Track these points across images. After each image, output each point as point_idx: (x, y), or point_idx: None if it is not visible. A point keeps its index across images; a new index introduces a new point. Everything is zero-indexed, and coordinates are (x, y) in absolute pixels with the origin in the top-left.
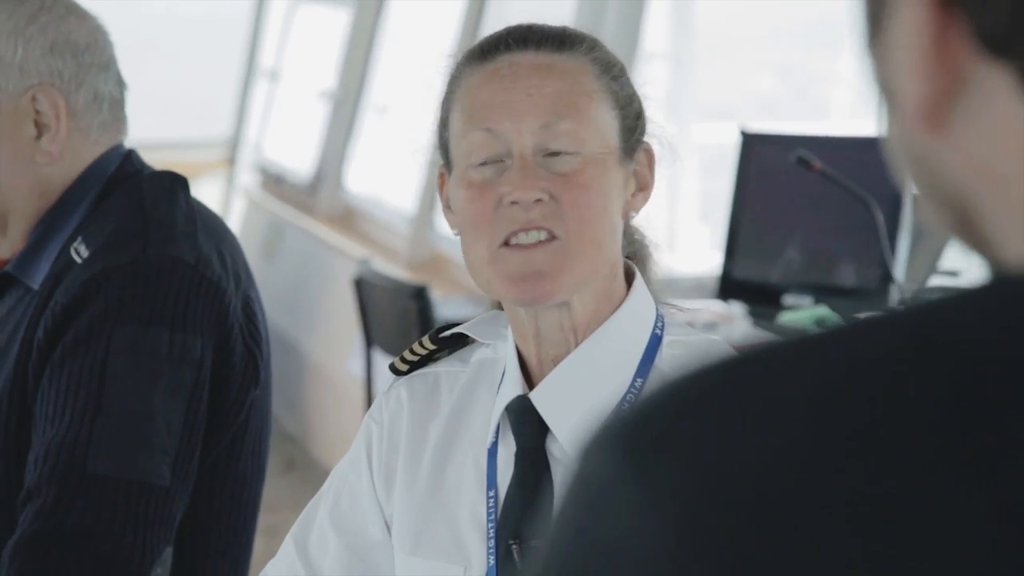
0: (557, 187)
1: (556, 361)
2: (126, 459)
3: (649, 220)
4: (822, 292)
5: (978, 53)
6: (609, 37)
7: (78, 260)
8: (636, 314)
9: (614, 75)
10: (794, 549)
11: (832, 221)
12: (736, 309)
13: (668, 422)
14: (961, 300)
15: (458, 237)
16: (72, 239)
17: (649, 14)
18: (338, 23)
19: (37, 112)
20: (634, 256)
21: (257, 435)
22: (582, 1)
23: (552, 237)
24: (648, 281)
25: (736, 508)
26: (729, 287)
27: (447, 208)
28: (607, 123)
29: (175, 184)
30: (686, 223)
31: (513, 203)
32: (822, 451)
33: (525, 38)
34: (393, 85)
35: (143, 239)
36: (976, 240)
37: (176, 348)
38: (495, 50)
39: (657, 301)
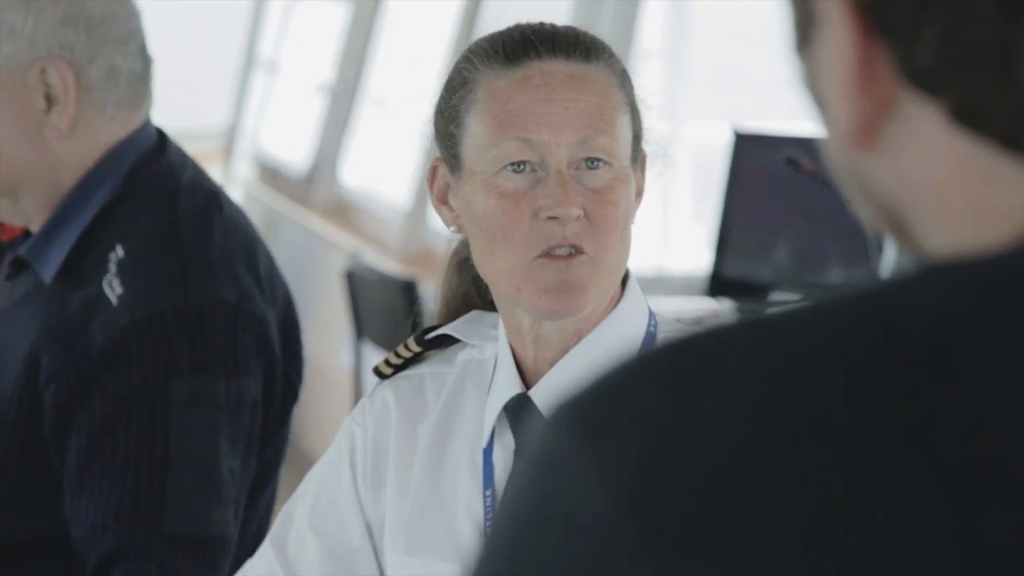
0: (590, 203)
1: (552, 363)
2: (201, 516)
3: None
4: (809, 290)
5: (905, 85)
6: (605, 34)
7: (111, 297)
8: (631, 313)
9: (629, 84)
10: (742, 516)
11: (821, 221)
12: (725, 306)
13: (619, 395)
14: (903, 284)
15: (456, 234)
16: (105, 242)
17: (645, 12)
18: (337, 16)
19: (47, 85)
20: None
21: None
22: None
23: (580, 251)
24: None
25: (684, 475)
26: (719, 285)
27: (443, 203)
28: (627, 135)
29: (209, 205)
30: (679, 222)
31: (551, 218)
32: (772, 422)
33: (553, 45)
34: (391, 79)
35: (182, 282)
36: (908, 242)
37: (232, 395)
38: (523, 55)
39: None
